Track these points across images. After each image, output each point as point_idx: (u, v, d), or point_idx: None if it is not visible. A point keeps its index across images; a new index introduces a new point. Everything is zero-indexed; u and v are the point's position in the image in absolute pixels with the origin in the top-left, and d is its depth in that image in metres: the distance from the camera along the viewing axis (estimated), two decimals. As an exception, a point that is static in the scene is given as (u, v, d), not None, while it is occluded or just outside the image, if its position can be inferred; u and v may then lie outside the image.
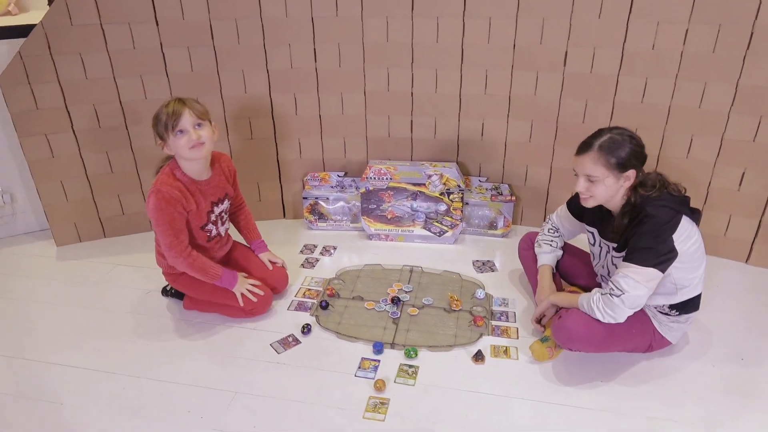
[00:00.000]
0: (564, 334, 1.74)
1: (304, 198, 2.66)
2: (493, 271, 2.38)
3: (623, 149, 1.67)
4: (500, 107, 2.49)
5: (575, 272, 2.10)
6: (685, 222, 1.67)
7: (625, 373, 1.82)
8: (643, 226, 1.64)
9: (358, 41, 2.43)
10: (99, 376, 1.84)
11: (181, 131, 1.83)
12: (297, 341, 1.98)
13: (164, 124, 1.83)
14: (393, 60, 2.46)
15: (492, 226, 2.61)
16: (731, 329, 2.01)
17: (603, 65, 2.29)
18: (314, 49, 2.45)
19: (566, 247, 2.13)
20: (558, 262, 2.09)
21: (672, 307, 1.77)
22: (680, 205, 1.69)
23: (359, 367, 1.85)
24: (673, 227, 1.64)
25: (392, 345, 1.95)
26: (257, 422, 1.66)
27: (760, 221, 2.32)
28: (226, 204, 2.08)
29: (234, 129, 2.59)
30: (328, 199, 2.65)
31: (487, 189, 2.59)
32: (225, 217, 2.11)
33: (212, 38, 2.40)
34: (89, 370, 1.86)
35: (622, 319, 1.68)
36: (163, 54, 2.39)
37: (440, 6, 2.33)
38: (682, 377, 1.80)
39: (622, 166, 1.67)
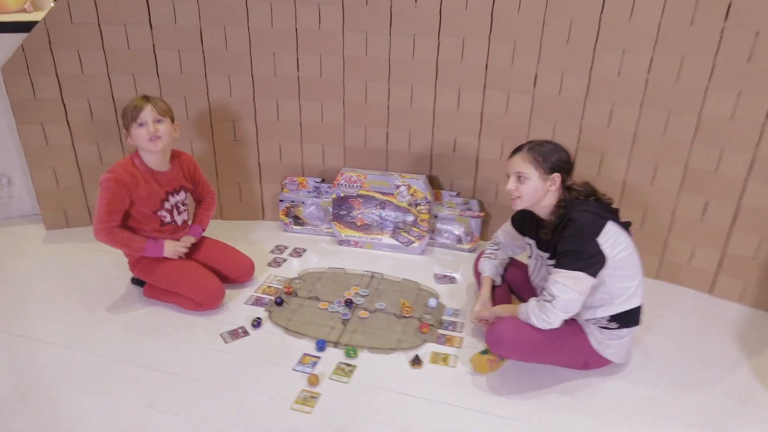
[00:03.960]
0: (494, 338, 1.78)
1: (280, 200, 2.76)
2: (452, 283, 2.43)
3: (551, 153, 1.77)
4: (473, 124, 2.55)
5: (524, 287, 2.13)
6: (612, 227, 1.69)
7: (557, 387, 1.84)
8: (566, 231, 1.69)
9: (339, 54, 2.54)
10: (54, 349, 1.95)
11: (141, 124, 1.99)
12: (246, 333, 2.06)
13: (129, 116, 2.01)
14: (371, 73, 2.55)
15: (460, 240, 2.66)
16: (676, 356, 2.01)
17: (571, 89, 2.35)
18: (297, 58, 2.57)
19: (515, 264, 2.17)
20: (506, 275, 2.14)
21: (612, 319, 1.78)
22: (605, 212, 1.73)
23: (299, 362, 1.92)
24: (596, 231, 1.67)
25: (335, 344, 2.01)
26: (186, 402, 1.73)
27: (722, 253, 2.31)
28: (181, 195, 2.21)
29: (218, 130, 2.71)
30: (303, 203, 2.74)
31: (457, 204, 2.65)
32: (182, 208, 2.22)
33: (201, 43, 2.54)
34: (46, 343, 1.98)
35: (557, 323, 1.70)
36: (155, 55, 2.54)
37: (417, 25, 2.42)
38: (614, 396, 1.81)
39: (548, 167, 1.76)
